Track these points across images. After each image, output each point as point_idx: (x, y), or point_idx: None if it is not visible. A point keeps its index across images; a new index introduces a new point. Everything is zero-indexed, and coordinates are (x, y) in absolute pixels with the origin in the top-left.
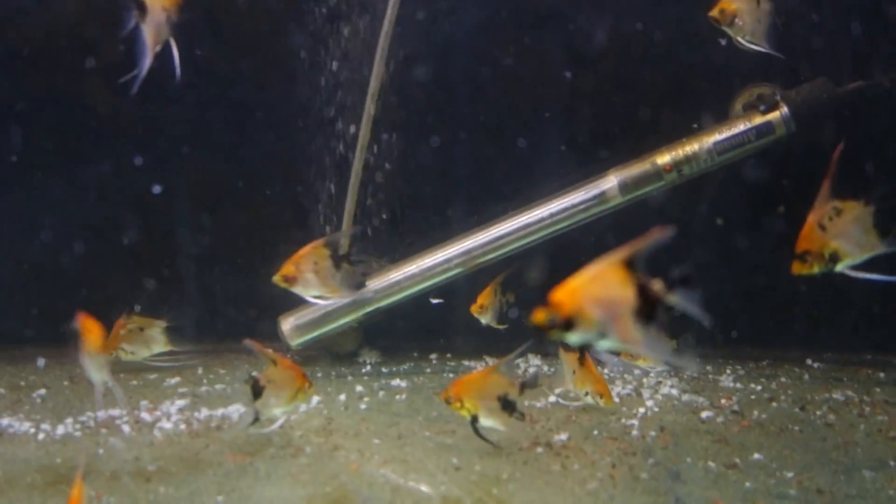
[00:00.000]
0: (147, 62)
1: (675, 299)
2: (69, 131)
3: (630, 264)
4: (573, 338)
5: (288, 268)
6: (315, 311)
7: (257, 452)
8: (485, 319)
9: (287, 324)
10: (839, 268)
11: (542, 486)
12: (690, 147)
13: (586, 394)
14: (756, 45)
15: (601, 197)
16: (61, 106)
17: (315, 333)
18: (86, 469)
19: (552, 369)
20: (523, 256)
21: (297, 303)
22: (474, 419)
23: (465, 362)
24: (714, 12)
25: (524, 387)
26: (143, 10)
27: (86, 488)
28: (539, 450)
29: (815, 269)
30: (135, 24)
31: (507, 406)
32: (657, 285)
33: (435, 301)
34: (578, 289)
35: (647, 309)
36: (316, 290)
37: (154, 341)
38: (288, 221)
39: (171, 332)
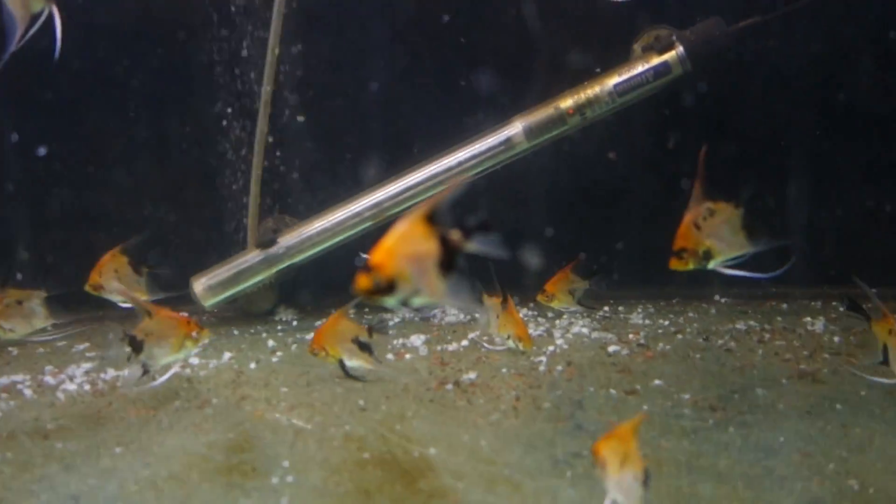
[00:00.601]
0: (18, 35)
1: (474, 246)
2: None
3: (431, 218)
4: (392, 301)
5: (93, 277)
6: (227, 269)
7: (161, 406)
8: (556, 305)
9: (199, 284)
10: (711, 265)
11: (445, 421)
12: (592, 90)
13: (508, 337)
14: None
15: (508, 143)
16: None
17: (229, 293)
18: None
19: (467, 317)
20: None
21: (208, 264)
22: (341, 363)
23: (385, 314)
24: None
25: (372, 330)
26: None
27: None
28: (448, 387)
29: (690, 266)
30: None
31: (364, 348)
32: (456, 235)
33: (363, 255)
34: (394, 249)
35: (449, 259)
36: (122, 296)
37: (34, 315)
38: (191, 177)
39: (52, 303)
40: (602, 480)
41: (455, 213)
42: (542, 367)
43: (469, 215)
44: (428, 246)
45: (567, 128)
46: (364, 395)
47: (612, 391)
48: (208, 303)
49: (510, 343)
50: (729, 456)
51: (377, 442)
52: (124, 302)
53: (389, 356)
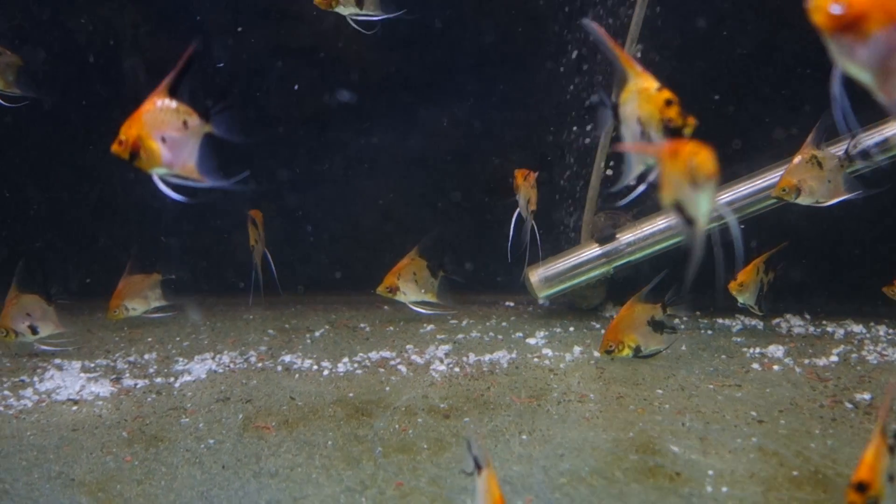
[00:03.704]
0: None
1: None
2: None
3: None
4: None
5: (391, 280)
6: (564, 262)
7: (540, 396)
8: (742, 298)
9: (535, 275)
10: None
11: (862, 444)
12: None
13: None
14: None
15: None
16: None
17: (564, 286)
18: (379, 404)
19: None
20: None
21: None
22: (637, 351)
23: (720, 319)
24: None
25: (666, 306)
26: None
27: (387, 421)
28: (847, 405)
29: None
30: None
31: (658, 326)
32: None
33: None
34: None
35: None
36: (417, 297)
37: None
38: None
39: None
40: None
41: None
42: None
43: None
44: None
45: None
46: (750, 405)
47: None
48: (543, 294)
49: None
50: None
51: (797, 459)
52: (413, 303)
53: (755, 365)
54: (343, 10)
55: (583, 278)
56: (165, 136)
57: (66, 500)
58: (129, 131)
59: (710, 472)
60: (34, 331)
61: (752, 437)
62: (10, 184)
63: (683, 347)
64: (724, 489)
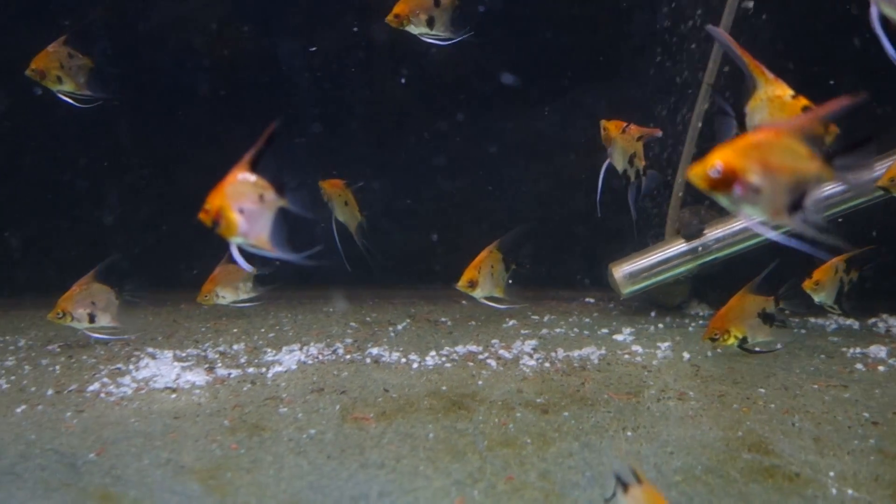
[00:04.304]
0: None
1: None
2: None
3: None
4: None
5: (472, 273)
6: (649, 259)
7: (639, 393)
8: (818, 297)
9: (619, 271)
10: None
11: None
12: None
13: None
14: None
15: None
16: None
17: (649, 282)
18: (474, 398)
19: None
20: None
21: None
22: (743, 341)
23: (812, 319)
24: None
25: (779, 299)
26: None
27: (485, 415)
28: None
29: None
30: None
31: (768, 319)
32: None
33: None
34: None
35: None
36: (487, 292)
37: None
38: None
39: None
40: None
41: None
42: None
43: None
44: None
45: None
46: (860, 406)
47: None
48: (627, 290)
49: None
50: None
51: None
52: (485, 298)
53: (859, 366)
54: (414, 30)
55: (667, 275)
56: (243, 208)
57: (178, 487)
58: (213, 202)
59: (831, 474)
60: (92, 318)
61: (868, 438)
62: (140, 176)
63: (779, 346)
64: (850, 492)
